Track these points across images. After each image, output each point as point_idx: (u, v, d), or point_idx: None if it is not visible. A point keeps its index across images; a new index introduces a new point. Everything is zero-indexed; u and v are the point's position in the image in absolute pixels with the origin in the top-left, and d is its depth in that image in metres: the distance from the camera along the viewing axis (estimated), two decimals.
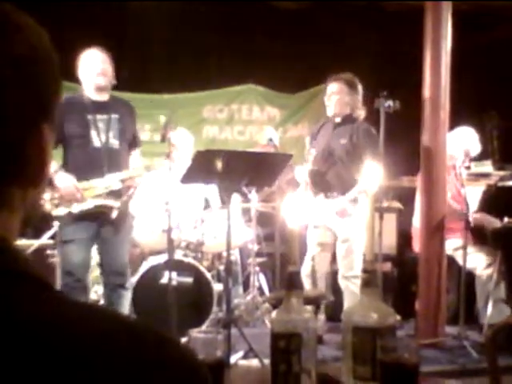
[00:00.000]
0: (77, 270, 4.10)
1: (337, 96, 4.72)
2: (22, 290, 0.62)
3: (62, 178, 4.00)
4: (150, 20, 6.81)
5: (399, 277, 6.06)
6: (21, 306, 0.61)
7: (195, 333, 1.50)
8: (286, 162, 4.07)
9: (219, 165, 3.65)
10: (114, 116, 4.15)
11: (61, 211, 4.08)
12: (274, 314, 1.58)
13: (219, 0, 7.11)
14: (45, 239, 5.24)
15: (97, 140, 4.08)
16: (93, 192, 4.08)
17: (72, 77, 4.15)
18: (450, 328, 4.95)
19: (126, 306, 4.33)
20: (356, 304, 1.68)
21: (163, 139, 4.05)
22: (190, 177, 3.96)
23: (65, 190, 3.99)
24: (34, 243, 5.19)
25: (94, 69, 4.12)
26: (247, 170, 3.80)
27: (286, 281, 1.62)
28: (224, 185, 3.91)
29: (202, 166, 3.79)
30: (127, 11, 6.77)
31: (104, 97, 4.17)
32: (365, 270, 1.64)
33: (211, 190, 5.36)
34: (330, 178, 4.72)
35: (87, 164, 4.04)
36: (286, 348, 1.53)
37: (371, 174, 1.71)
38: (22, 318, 0.60)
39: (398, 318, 5.12)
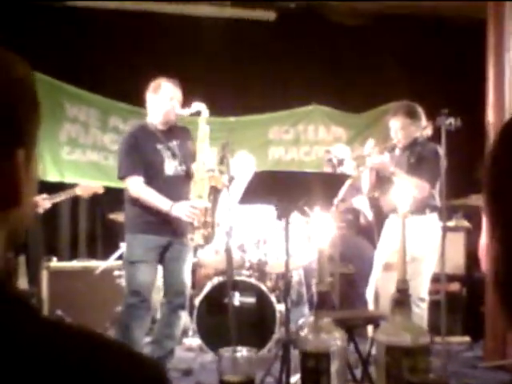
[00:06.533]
0: (143, 290, 4.16)
1: (402, 131, 4.75)
2: (9, 311, 0.68)
3: (177, 208, 4.08)
4: (214, 43, 6.94)
5: (469, 297, 5.91)
6: (9, 326, 0.66)
7: (225, 351, 1.53)
8: (343, 182, 4.06)
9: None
10: (176, 142, 4.27)
11: (199, 239, 4.17)
12: (302, 333, 1.59)
13: (282, 21, 7.22)
14: (112, 260, 5.41)
15: (168, 168, 4.20)
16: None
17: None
18: None
19: (181, 327, 4.42)
20: (388, 323, 1.68)
21: (221, 162, 4.12)
22: (247, 198, 3.99)
23: (188, 217, 4.07)
24: (102, 265, 5.36)
25: (174, 98, 4.22)
26: (304, 190, 3.79)
27: (316, 300, 1.63)
28: (282, 205, 3.91)
29: (259, 187, 3.82)
30: (192, 36, 6.93)
31: (167, 125, 4.30)
32: (397, 290, 1.64)
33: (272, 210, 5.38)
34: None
35: (162, 193, 4.12)
36: (314, 368, 1.53)
37: (404, 193, 1.70)
38: (11, 337, 0.65)
39: (468, 339, 4.94)
